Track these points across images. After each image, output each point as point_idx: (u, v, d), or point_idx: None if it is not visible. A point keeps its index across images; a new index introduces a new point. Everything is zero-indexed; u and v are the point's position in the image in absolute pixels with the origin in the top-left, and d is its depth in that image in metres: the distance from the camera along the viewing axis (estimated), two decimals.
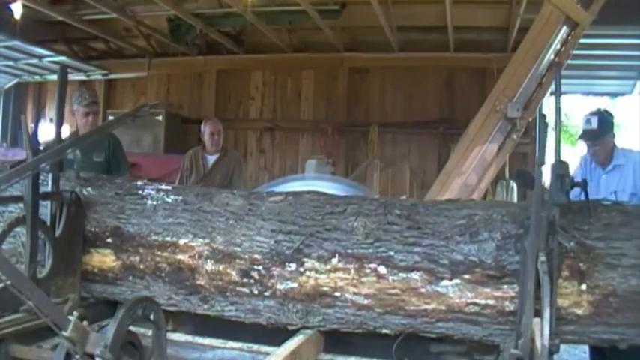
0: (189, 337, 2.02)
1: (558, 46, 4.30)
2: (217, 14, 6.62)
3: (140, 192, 2.24)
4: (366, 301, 1.90)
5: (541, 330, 1.45)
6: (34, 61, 7.36)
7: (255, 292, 1.99)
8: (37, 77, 8.31)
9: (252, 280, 1.99)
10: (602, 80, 7.62)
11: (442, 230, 1.88)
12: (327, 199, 2.08)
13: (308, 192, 2.19)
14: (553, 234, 1.70)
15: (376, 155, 7.06)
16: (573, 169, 3.54)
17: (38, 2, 5.88)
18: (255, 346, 1.92)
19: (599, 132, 3.26)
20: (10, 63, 7.43)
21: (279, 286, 1.96)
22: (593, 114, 3.32)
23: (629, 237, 1.77)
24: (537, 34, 4.29)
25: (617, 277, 1.73)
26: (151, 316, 1.54)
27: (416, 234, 1.89)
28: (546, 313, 1.42)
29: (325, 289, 1.93)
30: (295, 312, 1.96)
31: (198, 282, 2.05)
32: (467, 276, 1.82)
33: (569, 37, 4.28)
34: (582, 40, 4.40)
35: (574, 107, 13.03)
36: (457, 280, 1.82)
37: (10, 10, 5.51)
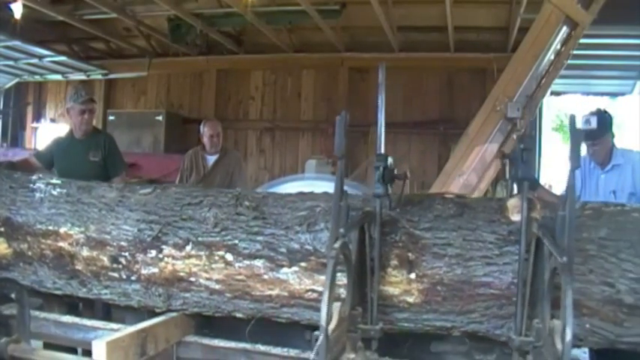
0: (76, 320, 2.16)
1: (558, 46, 4.30)
2: (217, 14, 6.62)
3: (31, 185, 2.42)
4: (217, 286, 2.02)
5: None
6: (34, 61, 7.37)
7: (124, 276, 2.14)
8: (38, 77, 8.32)
9: (120, 266, 2.14)
10: (602, 80, 7.61)
11: (284, 220, 1.99)
12: (189, 192, 2.23)
13: (175, 185, 2.37)
14: (374, 224, 1.78)
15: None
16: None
17: (38, 2, 5.88)
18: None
19: (599, 132, 3.26)
20: (11, 63, 7.44)
21: (143, 271, 2.11)
22: (592, 114, 3.32)
23: (456, 228, 1.83)
24: (537, 34, 4.29)
25: (444, 266, 1.80)
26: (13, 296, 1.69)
27: (260, 224, 2.00)
28: (325, 296, 1.44)
29: (182, 274, 2.06)
30: (158, 296, 2.10)
31: (76, 267, 2.22)
32: (303, 264, 1.91)
33: (569, 37, 4.28)
34: (582, 40, 4.41)
35: (574, 107, 13.06)
36: (295, 268, 1.92)
37: (11, 10, 5.51)
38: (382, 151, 1.92)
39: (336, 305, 1.56)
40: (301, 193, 2.16)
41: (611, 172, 3.29)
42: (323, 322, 1.42)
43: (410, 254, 1.83)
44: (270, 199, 2.11)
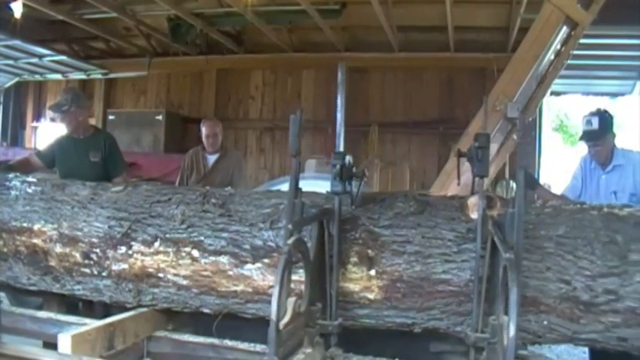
0: (51, 315, 2.21)
1: (558, 46, 4.30)
2: (217, 14, 6.61)
3: (8, 183, 2.49)
4: (184, 282, 2.06)
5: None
6: (34, 60, 7.35)
7: (95, 272, 2.20)
8: (37, 76, 8.30)
9: (92, 262, 2.20)
10: (602, 80, 7.60)
11: (249, 218, 2.03)
12: (159, 190, 2.28)
13: (146, 183, 2.42)
14: (332, 221, 1.81)
15: (376, 155, 7.06)
16: (574, 168, 3.56)
17: (38, 1, 5.87)
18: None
19: (600, 132, 3.25)
20: (11, 62, 7.42)
21: (114, 267, 2.16)
22: (593, 114, 3.31)
23: (416, 225, 1.87)
24: (537, 34, 4.28)
25: (403, 263, 1.84)
26: None
27: (225, 221, 2.05)
28: (275, 292, 1.47)
29: (150, 270, 2.11)
30: (128, 291, 2.15)
31: (50, 263, 2.27)
32: (266, 260, 1.95)
33: (569, 37, 4.28)
34: (582, 40, 4.40)
35: (574, 107, 13.05)
36: (259, 264, 1.96)
37: (11, 9, 5.50)
38: (341, 149, 1.96)
39: (290, 300, 1.59)
40: (268, 191, 2.21)
41: (612, 173, 3.28)
42: (273, 317, 1.44)
43: (370, 251, 1.87)
44: (237, 196, 2.15)
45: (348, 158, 1.87)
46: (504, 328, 1.42)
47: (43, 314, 2.21)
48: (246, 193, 2.21)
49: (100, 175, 3.42)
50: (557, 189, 3.85)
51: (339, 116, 2.03)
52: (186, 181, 4.60)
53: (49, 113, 8.67)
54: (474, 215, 1.78)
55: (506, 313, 1.43)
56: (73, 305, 2.41)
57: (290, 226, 1.64)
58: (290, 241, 1.58)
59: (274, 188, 2.83)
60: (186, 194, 2.20)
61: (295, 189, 1.77)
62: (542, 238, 1.76)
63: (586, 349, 3.06)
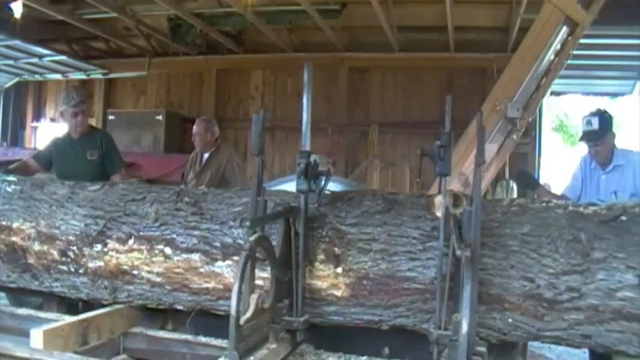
0: (31, 312, 2.23)
1: (558, 46, 4.31)
2: (217, 14, 6.62)
3: None
4: (158, 279, 2.09)
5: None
6: (34, 60, 7.36)
7: (72, 269, 2.23)
8: (37, 76, 8.32)
9: (69, 259, 2.22)
10: (602, 80, 7.61)
11: (220, 216, 2.06)
12: (135, 189, 2.31)
13: (123, 182, 2.50)
14: (299, 219, 1.83)
15: (376, 155, 7.06)
16: (574, 168, 3.56)
17: (38, 1, 5.88)
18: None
19: (600, 132, 3.26)
20: (10, 62, 7.43)
21: (90, 265, 2.19)
22: (593, 114, 3.32)
23: (382, 223, 1.88)
24: (537, 34, 4.29)
25: (369, 261, 1.85)
26: None
27: (197, 219, 2.08)
28: (235, 288, 1.48)
29: (125, 267, 2.14)
30: (104, 288, 2.18)
31: (29, 261, 2.30)
32: (236, 257, 1.96)
33: (569, 37, 4.29)
34: (582, 40, 4.41)
35: (574, 107, 13.06)
36: (229, 262, 1.99)
37: (10, 9, 5.50)
38: (307, 148, 1.98)
39: (253, 296, 1.60)
40: (240, 190, 2.23)
41: (612, 173, 3.28)
42: (233, 312, 1.46)
43: (336, 249, 1.89)
44: (210, 195, 2.19)
45: (314, 157, 1.89)
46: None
47: (22, 311, 2.23)
48: (219, 192, 2.23)
49: (98, 174, 3.42)
50: (557, 189, 3.86)
51: (305, 116, 2.06)
52: (185, 181, 4.62)
53: (50, 113, 8.70)
54: (439, 213, 1.79)
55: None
56: (73, 306, 2.41)
57: (247, 223, 1.66)
58: (252, 238, 1.60)
59: (275, 189, 2.82)
60: (161, 193, 2.23)
61: (258, 187, 1.79)
62: (507, 236, 1.78)
63: (586, 350, 3.06)
